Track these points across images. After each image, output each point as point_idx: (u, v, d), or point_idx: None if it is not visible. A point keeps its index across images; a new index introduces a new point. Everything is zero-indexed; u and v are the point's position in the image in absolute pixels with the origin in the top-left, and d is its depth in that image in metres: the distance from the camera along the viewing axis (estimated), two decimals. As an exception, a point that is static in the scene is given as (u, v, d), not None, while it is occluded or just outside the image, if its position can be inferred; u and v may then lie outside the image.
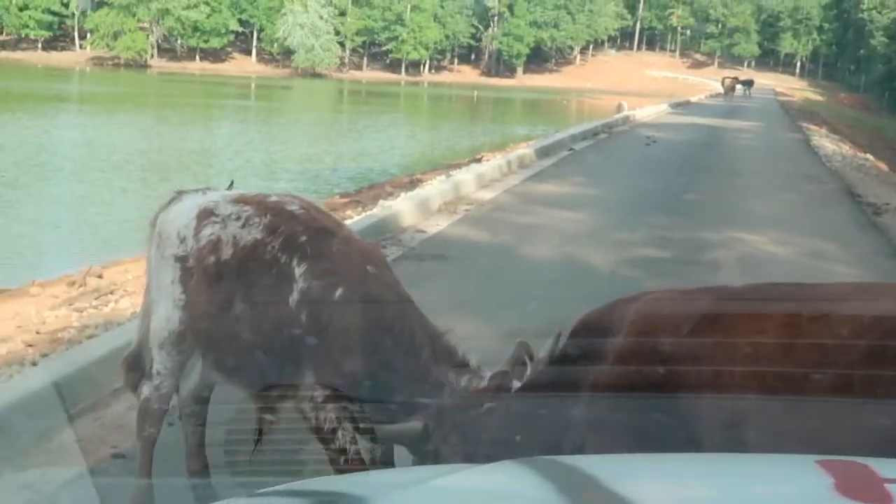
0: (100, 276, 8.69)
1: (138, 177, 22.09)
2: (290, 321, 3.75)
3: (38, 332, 6.71)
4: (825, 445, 3.01)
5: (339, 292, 3.72)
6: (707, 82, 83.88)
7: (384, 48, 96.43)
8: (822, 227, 13.12)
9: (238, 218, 3.92)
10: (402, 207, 11.77)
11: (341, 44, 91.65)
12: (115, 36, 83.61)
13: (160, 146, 27.60)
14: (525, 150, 19.40)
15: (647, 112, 37.05)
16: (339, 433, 3.75)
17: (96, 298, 7.89)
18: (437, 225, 11.52)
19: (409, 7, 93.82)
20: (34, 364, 5.74)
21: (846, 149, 26.06)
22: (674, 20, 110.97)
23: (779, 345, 3.16)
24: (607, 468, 2.09)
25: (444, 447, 3.46)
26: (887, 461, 2.27)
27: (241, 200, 4.02)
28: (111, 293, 7.96)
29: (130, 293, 7.75)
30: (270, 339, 3.83)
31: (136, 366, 4.24)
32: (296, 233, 3.83)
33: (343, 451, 3.76)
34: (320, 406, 3.73)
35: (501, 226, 11.62)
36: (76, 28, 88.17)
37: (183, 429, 4.26)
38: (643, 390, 3.16)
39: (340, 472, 3.63)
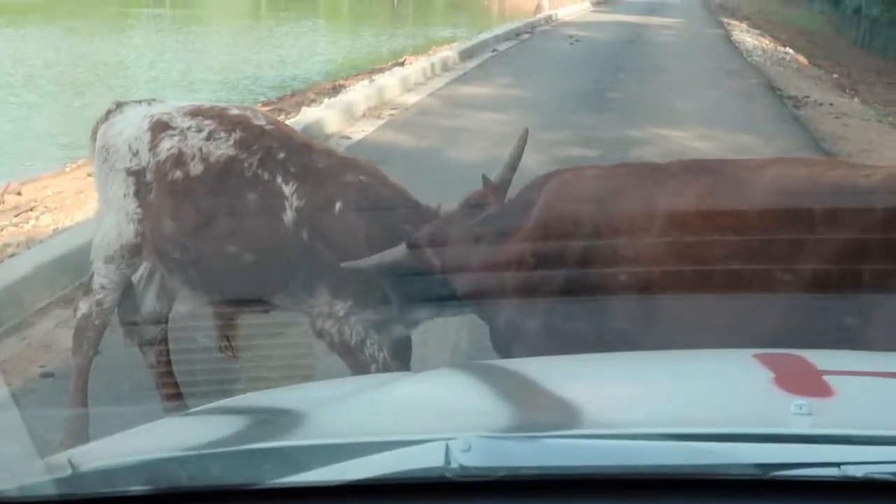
0: (18, 194, 8.44)
1: (50, 91, 21.41)
2: (291, 241, 3.76)
3: (-44, 251, 6.52)
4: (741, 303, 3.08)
5: (338, 206, 3.74)
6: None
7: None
8: (744, 121, 13.25)
9: (199, 131, 3.84)
10: (325, 114, 11.60)
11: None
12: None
13: (72, 58, 26.72)
14: (448, 52, 19.16)
15: (570, 11, 36.76)
16: (367, 343, 3.80)
17: (16, 216, 7.67)
18: (363, 130, 11.39)
19: None
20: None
21: (767, 43, 26.17)
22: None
23: (693, 213, 3.24)
24: (544, 370, 2.08)
25: (428, 264, 3.57)
26: (822, 353, 2.28)
27: (198, 113, 3.94)
28: (31, 210, 7.76)
29: (52, 209, 7.58)
30: (266, 257, 3.82)
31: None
32: (272, 149, 3.81)
33: (373, 359, 3.80)
34: (343, 320, 3.77)
35: (428, 130, 11.54)
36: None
37: (146, 359, 4.18)
38: (555, 260, 3.28)
39: None
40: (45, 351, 4.75)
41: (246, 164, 3.80)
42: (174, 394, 4.14)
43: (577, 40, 23.91)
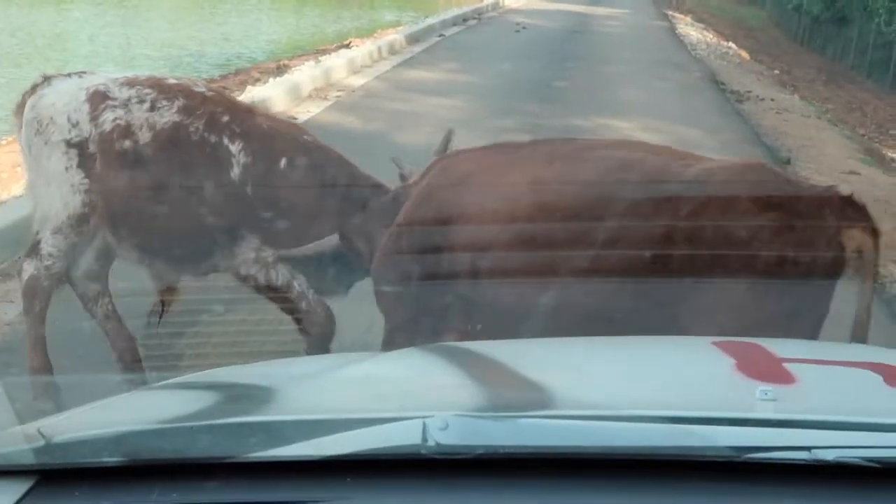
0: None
1: (-13, 62, 20.95)
2: (236, 196, 4.04)
3: None
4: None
5: (283, 162, 4.07)
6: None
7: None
8: (688, 114, 13.39)
9: (142, 101, 4.01)
10: (271, 93, 11.48)
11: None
12: None
13: (9, 29, 26.18)
14: (395, 35, 19.10)
15: (516, -2, 36.88)
16: (295, 283, 4.13)
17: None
18: (308, 111, 11.30)
19: None
20: None
21: (710, 37, 26.48)
22: None
23: (524, 196, 3.46)
24: (510, 352, 2.08)
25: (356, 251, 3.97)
26: (777, 341, 2.32)
27: (135, 83, 4.08)
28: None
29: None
30: (213, 214, 4.07)
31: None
32: (216, 113, 4.05)
33: (302, 296, 4.15)
34: (271, 265, 4.10)
35: (374, 112, 11.47)
36: None
37: (94, 315, 4.36)
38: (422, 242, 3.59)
39: (299, 323, 4.15)
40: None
41: (192, 129, 4.01)
42: (127, 348, 4.30)
43: (523, 27, 23.97)
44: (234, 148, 4.02)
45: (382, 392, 1.82)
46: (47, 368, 4.17)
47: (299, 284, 4.13)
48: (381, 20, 33.59)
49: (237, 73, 15.75)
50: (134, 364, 4.24)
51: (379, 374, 1.93)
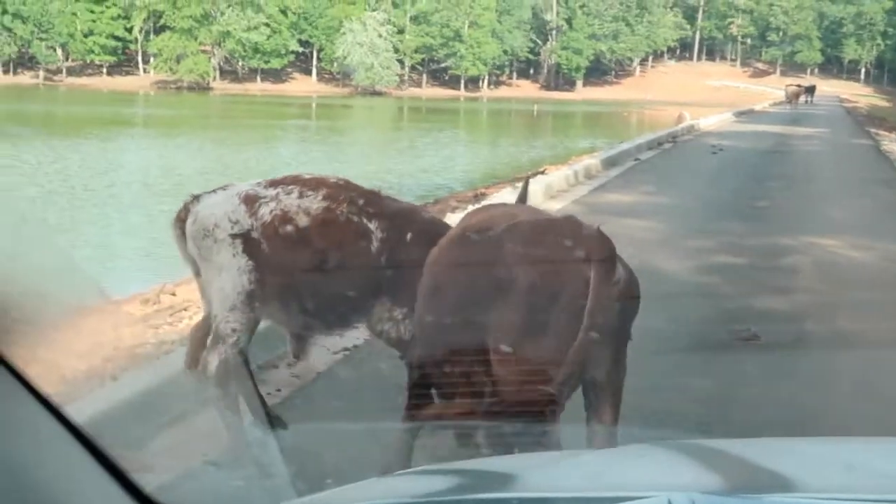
0: (173, 294, 8.73)
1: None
2: (374, 265, 4.81)
3: (115, 349, 6.74)
4: None
5: (409, 235, 4.82)
6: (769, 91, 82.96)
7: (443, 65, 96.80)
8: (898, 231, 12.83)
9: (289, 193, 4.87)
10: (470, 219, 11.67)
11: (400, 61, 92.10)
12: (178, 59, 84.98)
13: (223, 167, 27.85)
14: (590, 160, 19.27)
15: (711, 121, 36.71)
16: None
17: (171, 315, 7.93)
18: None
19: (466, 23, 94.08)
20: (114, 379, 5.75)
21: (918, 154, 25.48)
22: (733, 29, 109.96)
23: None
24: (730, 445, 2.03)
25: None
26: None
27: (276, 183, 4.97)
28: (185, 310, 7.98)
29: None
30: (357, 281, 4.90)
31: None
32: (353, 197, 4.89)
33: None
34: (401, 321, 4.84)
35: (571, 236, 11.48)
36: (140, 53, 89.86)
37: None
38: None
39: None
40: (207, 439, 4.83)
41: (339, 212, 4.84)
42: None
43: (720, 149, 23.77)
44: (372, 226, 4.82)
45: (621, 474, 1.80)
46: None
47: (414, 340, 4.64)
48: (575, 147, 34.02)
49: (436, 202, 16.18)
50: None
51: (611, 461, 1.91)
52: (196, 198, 5.01)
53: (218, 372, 4.78)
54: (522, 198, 5.03)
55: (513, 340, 3.66)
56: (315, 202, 4.84)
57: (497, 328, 3.69)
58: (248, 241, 4.83)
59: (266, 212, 4.83)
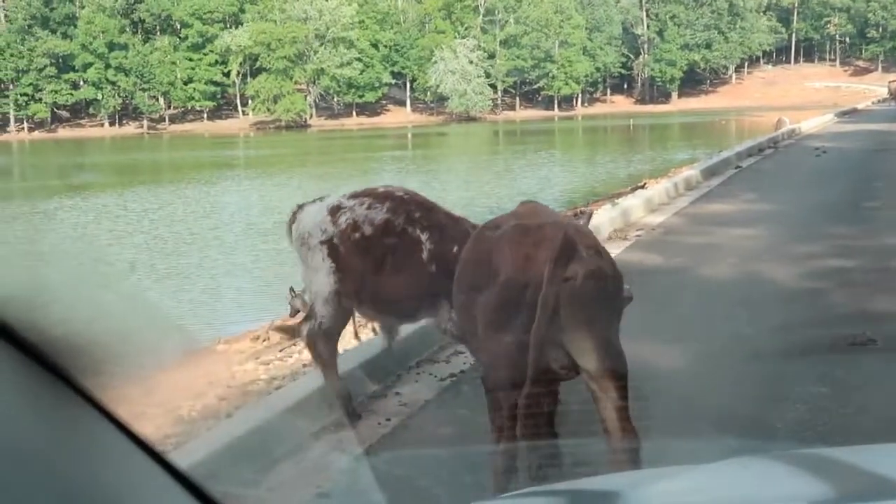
0: (281, 330, 8.89)
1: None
2: (426, 271, 5.49)
3: (228, 387, 6.89)
4: None
5: (455, 246, 5.25)
6: (872, 88, 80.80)
7: (535, 86, 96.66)
8: None
9: (362, 205, 5.64)
10: (571, 238, 11.61)
11: (493, 86, 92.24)
12: (275, 100, 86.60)
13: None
14: (690, 171, 19.01)
15: (812, 123, 35.92)
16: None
17: (280, 351, 8.09)
18: (611, 252, 11.32)
19: (557, 43, 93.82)
20: (229, 416, 5.87)
21: None
22: (831, 28, 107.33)
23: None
24: (865, 457, 1.98)
25: None
26: None
27: (358, 195, 5.75)
28: (294, 345, 8.12)
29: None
30: (414, 285, 5.54)
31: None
32: (411, 210, 5.60)
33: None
34: (456, 321, 5.28)
35: (675, 248, 11.35)
36: (238, 96, 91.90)
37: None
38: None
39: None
40: (318, 473, 4.89)
41: (396, 223, 5.57)
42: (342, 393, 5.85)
43: (823, 151, 23.23)
44: (424, 237, 5.52)
45: (729, 488, 1.78)
46: (346, 393, 5.78)
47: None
48: (674, 159, 33.61)
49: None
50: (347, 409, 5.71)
51: (716, 475, 1.88)
52: (301, 207, 5.93)
53: (308, 340, 5.85)
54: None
55: (491, 322, 4.25)
56: (379, 214, 5.60)
57: (481, 311, 4.29)
58: (331, 247, 5.68)
59: (343, 221, 5.65)
